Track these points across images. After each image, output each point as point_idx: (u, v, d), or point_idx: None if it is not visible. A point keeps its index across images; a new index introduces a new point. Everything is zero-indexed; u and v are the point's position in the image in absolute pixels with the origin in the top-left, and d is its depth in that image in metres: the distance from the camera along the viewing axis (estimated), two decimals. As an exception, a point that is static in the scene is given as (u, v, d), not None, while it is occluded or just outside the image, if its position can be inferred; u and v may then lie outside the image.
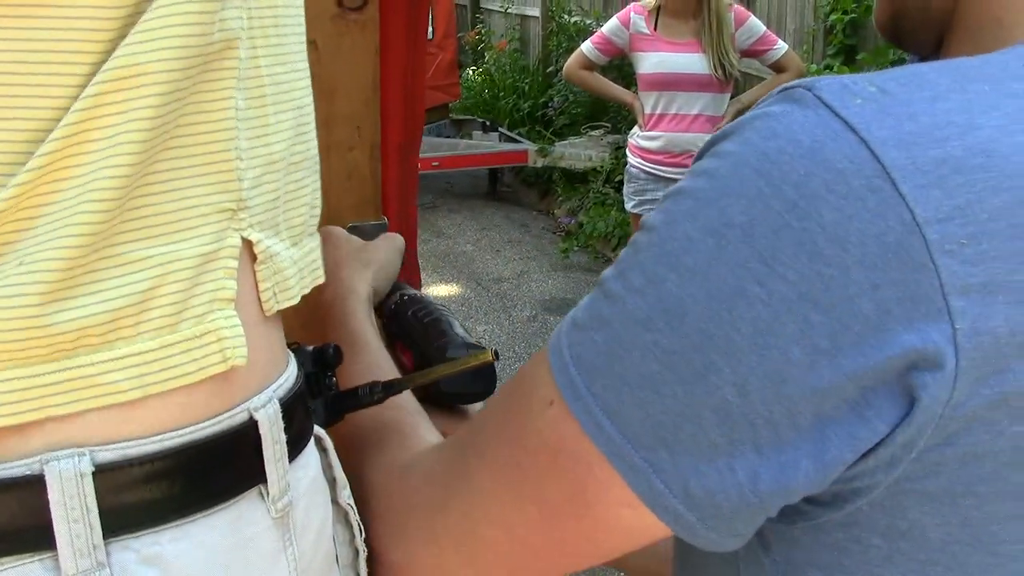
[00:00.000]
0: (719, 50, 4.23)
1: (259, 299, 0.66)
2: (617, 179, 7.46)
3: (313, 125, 0.73)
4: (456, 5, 11.24)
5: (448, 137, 8.96)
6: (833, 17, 6.00)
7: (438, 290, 6.39)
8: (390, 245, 1.11)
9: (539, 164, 8.15)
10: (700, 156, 0.60)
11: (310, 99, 0.73)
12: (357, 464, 0.84)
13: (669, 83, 4.32)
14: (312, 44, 1.18)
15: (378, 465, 0.82)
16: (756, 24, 4.41)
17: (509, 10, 11.47)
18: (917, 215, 0.53)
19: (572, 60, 4.85)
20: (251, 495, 0.66)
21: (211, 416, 0.63)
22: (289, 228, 0.71)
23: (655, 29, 4.40)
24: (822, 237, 0.54)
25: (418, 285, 1.58)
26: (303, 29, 0.73)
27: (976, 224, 0.53)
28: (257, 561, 0.67)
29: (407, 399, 0.92)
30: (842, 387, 0.55)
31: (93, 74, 0.58)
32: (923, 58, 0.77)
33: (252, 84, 0.66)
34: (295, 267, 0.71)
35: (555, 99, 9.28)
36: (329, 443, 0.77)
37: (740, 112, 4.33)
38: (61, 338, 0.58)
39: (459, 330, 1.02)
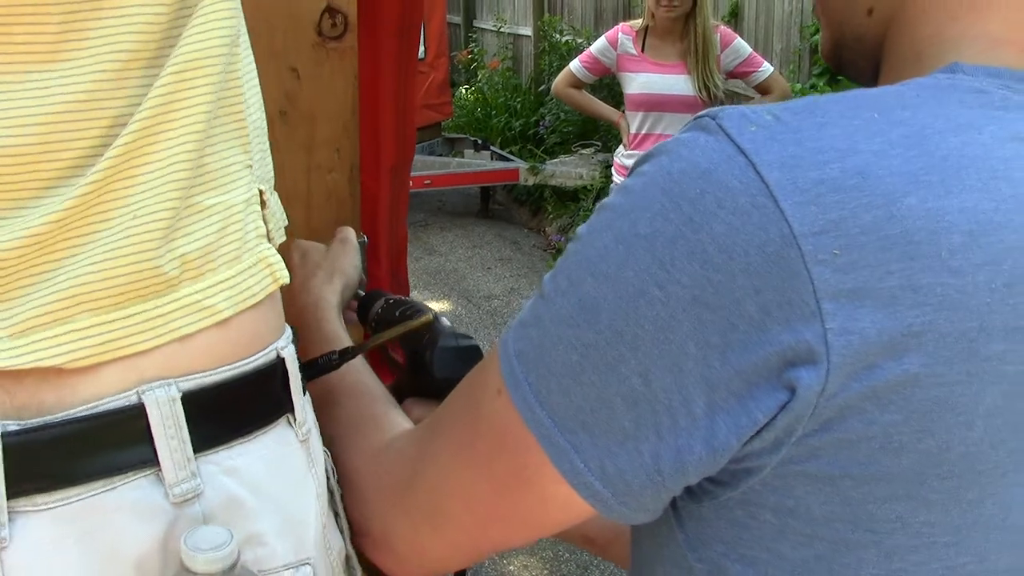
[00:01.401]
0: (704, 73, 4.28)
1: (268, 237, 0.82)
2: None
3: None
4: (449, 24, 11.31)
5: (440, 155, 9.03)
6: (818, 37, 6.09)
7: (429, 307, 6.44)
8: (348, 248, 1.19)
9: (530, 182, 8.23)
10: (628, 174, 0.67)
11: (255, 74, 0.87)
12: (339, 451, 0.93)
13: (655, 104, 4.37)
14: (294, 71, 1.25)
15: (356, 449, 0.91)
16: (742, 46, 4.46)
17: (502, 29, 11.58)
18: (794, 229, 0.60)
19: (560, 78, 4.90)
20: (283, 422, 0.82)
21: (252, 352, 0.79)
22: (268, 181, 0.85)
23: (642, 50, 4.44)
24: (712, 247, 0.61)
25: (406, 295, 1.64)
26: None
27: (848, 237, 0.60)
28: (294, 474, 0.83)
29: (381, 392, 1.00)
30: (730, 379, 0.62)
31: (156, 58, 0.73)
32: (866, 85, 0.84)
33: (247, 66, 0.83)
34: (280, 212, 0.86)
35: (546, 118, 9.36)
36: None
37: None
38: (171, 274, 0.73)
39: (446, 322, 1.09)
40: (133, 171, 0.72)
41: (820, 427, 0.63)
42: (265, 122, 0.87)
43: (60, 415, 0.70)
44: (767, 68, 4.51)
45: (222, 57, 0.76)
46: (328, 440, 0.94)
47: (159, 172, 0.73)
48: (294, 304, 1.10)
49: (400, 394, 1.07)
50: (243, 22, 0.84)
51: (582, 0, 10.13)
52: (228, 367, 0.77)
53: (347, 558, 0.91)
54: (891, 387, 0.61)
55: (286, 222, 0.87)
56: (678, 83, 4.32)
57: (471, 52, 12.04)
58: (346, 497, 0.91)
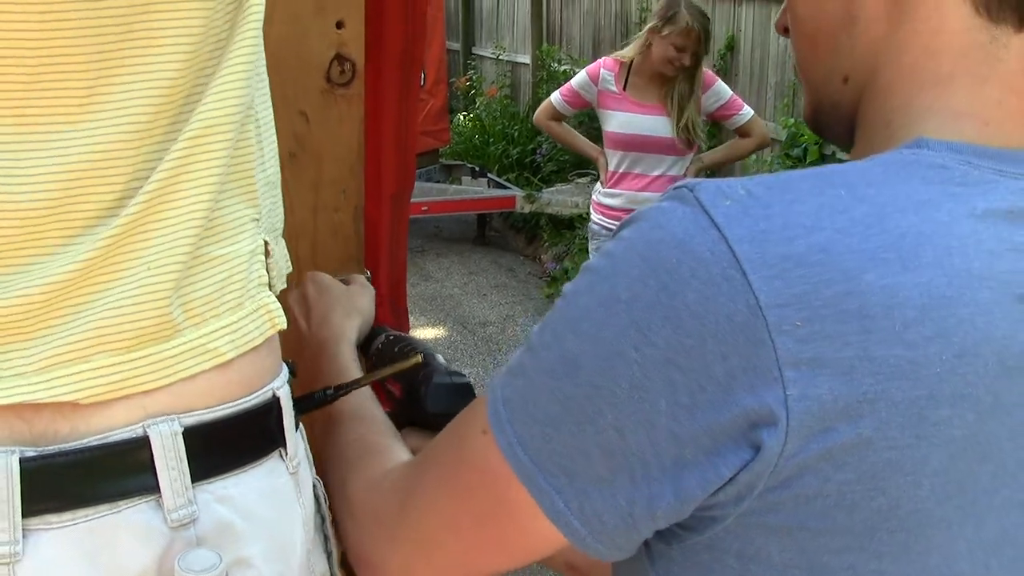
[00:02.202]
0: (688, 120, 4.27)
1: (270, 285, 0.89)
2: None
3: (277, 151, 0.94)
4: (448, 50, 11.42)
5: (438, 182, 9.11)
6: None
7: (425, 332, 6.50)
8: (369, 295, 1.26)
9: (526, 210, 8.29)
10: (612, 236, 0.73)
11: (273, 130, 0.93)
12: (341, 476, 0.99)
13: (634, 144, 4.35)
14: (303, 115, 1.32)
15: (357, 478, 0.97)
16: (723, 89, 4.43)
17: (500, 57, 11.68)
18: (760, 300, 0.65)
19: (541, 109, 4.87)
20: (275, 455, 0.89)
21: (250, 391, 0.85)
22: (275, 231, 0.91)
23: (624, 88, 4.39)
24: (685, 314, 0.66)
25: (406, 328, 1.70)
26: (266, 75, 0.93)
27: (810, 310, 0.65)
28: (283, 503, 0.89)
29: (386, 426, 1.06)
30: (698, 437, 0.67)
31: (176, 118, 0.80)
32: (843, 148, 0.90)
33: (260, 125, 0.88)
34: (284, 260, 0.93)
35: (543, 146, 9.43)
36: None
37: (700, 171, 4.47)
38: (179, 320, 0.79)
39: (441, 360, 1.15)
40: (149, 226, 0.78)
41: (780, 483, 0.68)
42: (279, 175, 0.93)
43: (73, 444, 0.77)
44: (747, 112, 4.49)
45: (235, 123, 0.83)
46: (332, 464, 1.02)
47: (173, 229, 0.79)
48: (315, 335, 1.18)
49: (396, 424, 1.13)
50: (265, 77, 0.90)
51: (580, 29, 10.24)
52: (228, 405, 0.84)
53: None
54: (846, 449, 0.66)
55: (290, 269, 0.94)
56: (657, 125, 4.30)
57: (470, 79, 12.14)
58: (345, 523, 0.97)
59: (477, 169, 9.36)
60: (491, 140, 10.25)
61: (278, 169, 0.93)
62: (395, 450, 1.01)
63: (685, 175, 4.34)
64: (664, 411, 0.68)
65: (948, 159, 0.73)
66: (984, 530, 0.71)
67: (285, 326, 0.88)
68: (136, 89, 0.77)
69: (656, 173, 4.33)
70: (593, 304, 0.71)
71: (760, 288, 0.65)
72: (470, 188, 8.84)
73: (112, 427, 0.78)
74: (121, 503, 0.78)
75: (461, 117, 11.41)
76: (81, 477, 0.77)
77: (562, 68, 9.75)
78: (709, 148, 4.87)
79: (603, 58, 4.68)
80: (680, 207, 0.69)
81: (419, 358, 1.13)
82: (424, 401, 1.12)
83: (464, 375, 1.12)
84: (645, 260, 0.69)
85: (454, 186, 8.85)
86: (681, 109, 4.26)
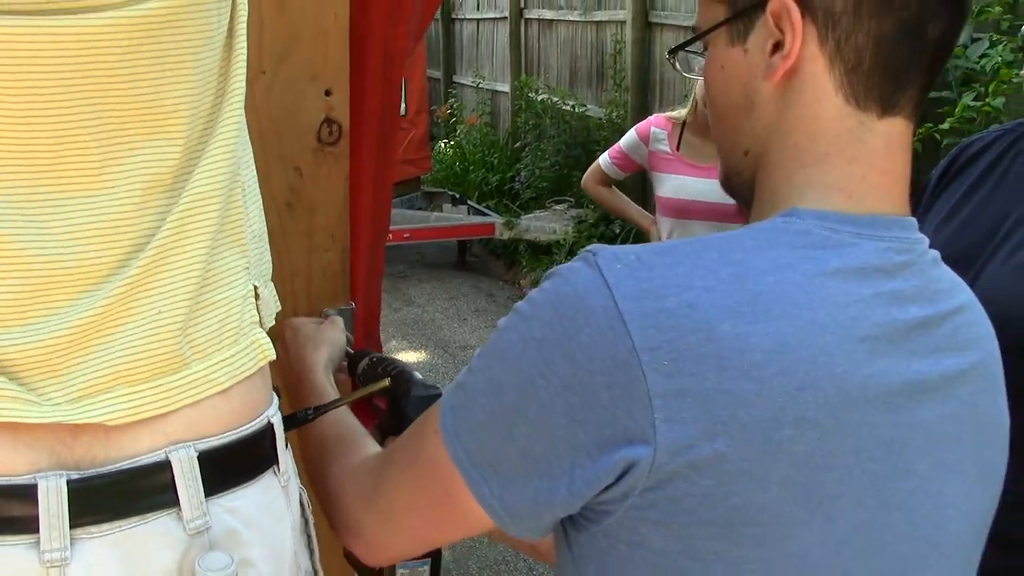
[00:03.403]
0: None
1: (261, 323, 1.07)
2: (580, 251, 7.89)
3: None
4: (429, 78, 11.60)
5: (420, 209, 9.26)
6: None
7: (407, 356, 6.64)
8: (335, 326, 1.47)
9: (506, 236, 8.42)
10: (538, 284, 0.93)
11: (258, 191, 1.12)
12: (323, 467, 1.19)
13: (687, 210, 3.87)
14: (298, 171, 1.52)
15: (340, 467, 1.16)
16: None
17: (480, 85, 11.84)
18: (636, 345, 0.82)
19: (589, 174, 4.42)
20: (270, 472, 1.06)
21: (250, 420, 1.03)
22: (264, 277, 1.10)
23: (677, 148, 3.94)
24: (580, 353, 0.85)
25: (378, 351, 1.91)
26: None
27: (676, 352, 0.82)
28: (276, 512, 1.07)
29: (358, 427, 1.26)
30: (588, 448, 0.85)
31: (172, 187, 0.97)
32: (748, 209, 1.08)
33: (246, 189, 1.06)
34: (272, 300, 1.10)
35: (522, 173, 9.60)
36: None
37: None
38: (186, 355, 0.98)
39: (418, 376, 1.35)
40: (157, 277, 0.96)
41: (654, 486, 0.84)
42: (265, 228, 1.12)
43: (108, 467, 0.95)
44: None
45: (224, 190, 1.01)
46: (316, 458, 1.22)
47: (176, 279, 0.97)
48: (292, 369, 1.39)
49: (383, 432, 1.33)
50: (249, 148, 1.09)
51: (558, 58, 10.38)
52: (232, 432, 1.02)
53: (315, 573, 1.17)
54: (706, 461, 0.83)
55: (278, 308, 1.12)
56: (712, 189, 3.58)
57: (451, 107, 12.32)
58: (330, 502, 1.16)
59: (457, 196, 9.52)
60: (471, 168, 10.43)
61: (263, 224, 1.11)
62: (368, 444, 1.20)
63: None
64: (563, 426, 0.86)
65: (814, 226, 0.91)
66: (834, 525, 0.88)
67: (274, 357, 1.06)
68: (140, 166, 0.96)
69: None
70: (515, 339, 0.90)
71: (636, 335, 0.83)
72: (451, 215, 8.99)
73: (139, 453, 0.96)
74: (148, 515, 0.96)
75: (442, 144, 11.57)
76: (116, 495, 0.95)
77: (539, 97, 9.94)
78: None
79: (654, 115, 4.29)
80: (584, 268, 0.87)
81: (386, 382, 1.33)
82: (405, 411, 1.31)
83: (438, 388, 1.31)
84: (554, 308, 0.88)
85: (435, 213, 9.00)
86: None
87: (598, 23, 9.46)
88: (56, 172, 0.91)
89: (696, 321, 0.83)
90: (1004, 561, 1.81)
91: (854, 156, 0.94)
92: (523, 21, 11.09)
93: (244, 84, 1.05)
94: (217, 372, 1.00)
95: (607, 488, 0.86)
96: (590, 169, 4.40)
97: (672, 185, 3.91)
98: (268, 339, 1.06)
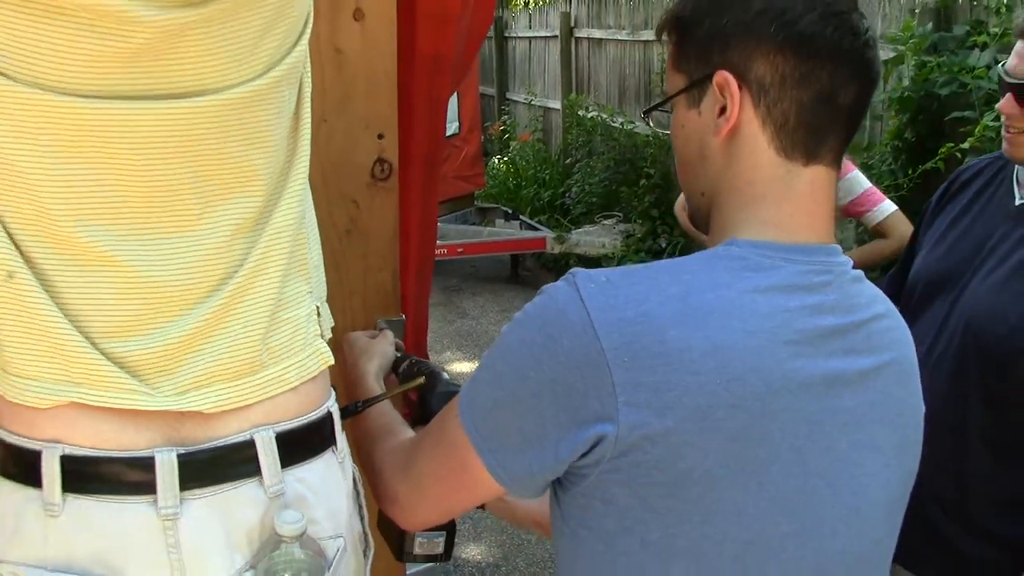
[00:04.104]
0: None
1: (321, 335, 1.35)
2: (628, 265, 8.06)
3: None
4: (483, 95, 11.82)
5: (473, 224, 9.50)
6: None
7: (462, 367, 6.84)
8: (386, 339, 1.73)
9: (556, 250, 8.64)
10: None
11: (316, 229, 1.41)
12: (369, 449, 1.46)
13: None
14: (355, 203, 1.80)
15: (380, 449, 1.43)
16: (857, 180, 3.73)
17: (532, 102, 12.07)
18: (604, 346, 1.06)
19: (679, 202, 4.45)
20: (330, 451, 1.34)
21: (314, 408, 1.30)
22: (322, 298, 1.38)
23: None
24: (561, 354, 1.09)
25: (425, 356, 2.18)
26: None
27: (632, 352, 1.06)
28: (334, 482, 1.34)
29: (396, 417, 1.52)
30: (568, 424, 1.09)
31: (255, 230, 1.25)
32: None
33: (308, 227, 1.35)
34: (328, 317, 1.37)
35: (573, 189, 9.82)
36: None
37: None
38: (265, 359, 1.26)
39: (445, 376, 1.62)
40: (242, 300, 1.25)
41: (619, 454, 1.07)
42: (322, 258, 1.40)
43: (206, 445, 1.24)
44: (885, 207, 3.69)
45: (294, 229, 1.30)
46: (363, 441, 1.49)
47: (258, 301, 1.26)
48: (348, 375, 1.66)
49: (415, 424, 1.59)
50: (310, 195, 1.36)
51: (607, 76, 10.58)
52: (301, 418, 1.31)
53: (363, 535, 1.44)
54: (657, 435, 1.06)
55: (332, 323, 1.39)
56: None
57: (504, 124, 12.56)
58: (374, 476, 1.42)
59: (510, 212, 9.74)
60: (524, 184, 10.66)
61: (321, 255, 1.39)
62: (404, 431, 1.47)
63: None
64: (549, 409, 1.11)
65: (749, 253, 1.15)
66: (764, 488, 1.11)
67: (332, 362, 1.35)
68: (230, 213, 1.24)
69: None
70: (513, 342, 1.16)
71: (603, 339, 1.07)
72: (503, 230, 9.20)
73: (229, 434, 1.26)
74: (238, 482, 1.25)
75: (496, 160, 11.80)
76: (213, 466, 1.24)
77: (590, 115, 10.15)
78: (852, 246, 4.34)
79: None
80: (565, 287, 1.12)
81: (421, 380, 1.60)
82: (430, 404, 1.59)
83: (458, 385, 1.56)
84: (542, 319, 1.13)
85: (488, 228, 9.22)
86: None
87: (645, 42, 9.66)
88: (167, 218, 1.20)
89: (649, 328, 1.08)
90: (994, 554, 2.05)
91: (784, 197, 1.18)
92: (573, 40, 11.32)
93: (310, 144, 1.33)
94: (288, 373, 1.29)
95: (583, 456, 1.11)
96: (680, 199, 4.43)
97: None
98: (327, 348, 1.35)
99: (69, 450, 1.20)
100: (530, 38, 12.60)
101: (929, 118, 4.96)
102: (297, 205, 1.31)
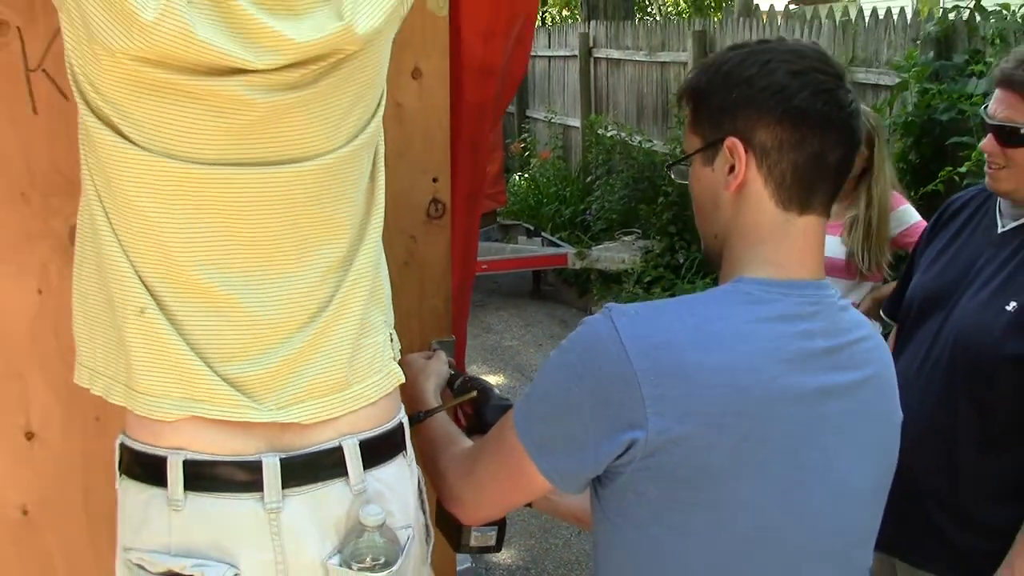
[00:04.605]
0: (869, 246, 3.78)
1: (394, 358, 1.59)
2: (647, 280, 8.17)
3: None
4: (504, 113, 11.95)
5: (496, 240, 9.68)
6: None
7: (487, 379, 7.05)
8: (440, 359, 1.97)
9: (577, 266, 8.85)
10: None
11: (386, 268, 1.67)
12: (434, 456, 1.69)
13: None
14: (412, 238, 2.05)
15: (444, 456, 1.67)
16: (907, 213, 3.84)
17: (552, 120, 12.29)
18: (635, 369, 1.30)
19: None
20: (401, 455, 1.57)
21: (389, 420, 1.53)
22: (392, 326, 1.63)
23: None
24: (600, 373, 1.33)
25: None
26: None
27: (659, 372, 1.30)
28: (405, 481, 1.58)
29: (456, 430, 1.75)
30: (606, 431, 1.33)
31: (342, 272, 1.50)
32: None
33: (381, 268, 1.61)
34: (397, 342, 1.63)
35: (593, 206, 10.03)
36: None
37: (876, 301, 3.67)
38: (350, 379, 1.51)
39: (495, 391, 1.87)
40: (332, 329, 1.51)
41: (648, 455, 1.30)
42: (390, 291, 1.64)
43: (303, 451, 1.50)
44: None
45: (372, 271, 1.56)
46: (428, 449, 1.71)
47: (344, 331, 1.52)
48: (407, 392, 1.89)
49: (470, 432, 1.82)
50: (381, 244, 1.61)
51: (625, 95, 10.81)
52: (378, 428, 1.56)
53: (426, 526, 1.67)
54: (679, 439, 1.30)
55: (400, 347, 1.64)
56: (830, 244, 3.61)
57: (524, 142, 12.75)
58: (439, 478, 1.65)
59: (532, 229, 9.96)
60: (545, 201, 10.87)
61: (390, 288, 1.64)
62: (463, 440, 1.71)
63: (859, 305, 3.70)
64: (590, 419, 1.34)
65: (753, 288, 1.39)
66: (767, 480, 1.35)
67: (404, 381, 1.61)
68: (321, 257, 1.50)
69: None
70: (559, 364, 1.41)
71: (635, 362, 1.31)
72: (525, 247, 9.41)
73: (321, 442, 1.51)
74: (328, 481, 1.51)
75: (517, 177, 12.03)
76: (309, 468, 1.50)
77: (609, 133, 10.38)
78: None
79: None
80: (602, 319, 1.37)
81: (474, 393, 1.84)
82: (485, 417, 1.83)
83: (509, 400, 1.81)
84: (584, 346, 1.38)
85: (511, 245, 9.43)
86: (849, 229, 3.81)
87: (662, 63, 9.90)
88: (270, 263, 1.47)
89: (671, 352, 1.33)
90: (986, 545, 2.28)
91: (782, 241, 1.42)
92: (592, 60, 11.56)
93: (384, 198, 1.58)
94: (369, 390, 1.55)
95: (618, 457, 1.35)
96: None
97: None
98: (399, 369, 1.61)
99: (190, 456, 1.45)
100: (549, 57, 12.83)
101: (932, 142, 5.21)
102: (375, 249, 1.56)
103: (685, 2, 21.46)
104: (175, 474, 1.45)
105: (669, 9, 21.50)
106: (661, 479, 1.34)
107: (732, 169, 1.42)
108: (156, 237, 1.41)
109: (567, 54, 12.17)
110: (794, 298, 1.40)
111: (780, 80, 1.39)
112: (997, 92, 2.35)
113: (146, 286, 1.43)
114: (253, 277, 1.46)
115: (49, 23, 1.71)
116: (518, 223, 10.21)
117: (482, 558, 4.62)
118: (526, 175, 12.03)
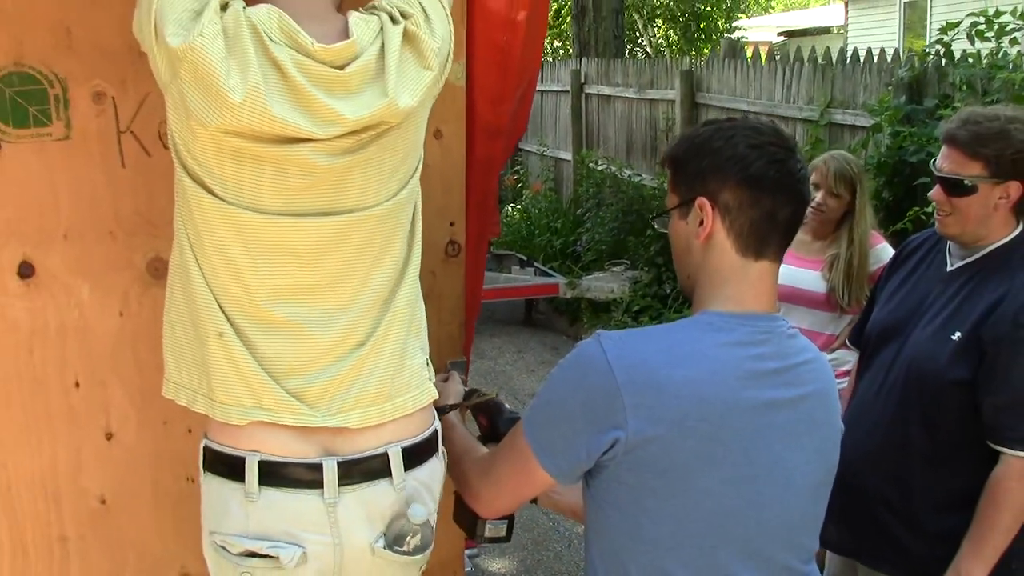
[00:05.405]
0: (850, 283, 4.01)
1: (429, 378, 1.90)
2: (635, 309, 8.44)
3: None
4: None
5: (490, 270, 9.64)
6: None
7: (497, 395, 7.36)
8: (455, 380, 2.28)
9: (568, 295, 9.09)
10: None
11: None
12: (458, 461, 2.01)
13: (783, 294, 3.98)
14: (432, 273, 2.38)
15: (466, 460, 1.99)
16: (884, 251, 4.01)
17: (545, 153, 12.52)
18: (618, 382, 1.63)
19: None
20: (436, 456, 1.90)
21: (425, 429, 1.86)
22: (426, 350, 1.94)
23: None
24: (589, 386, 1.66)
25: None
26: None
27: (637, 385, 1.62)
28: (437, 479, 1.92)
29: (473, 439, 2.09)
30: (594, 432, 1.66)
31: (388, 302, 1.84)
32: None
33: (418, 299, 1.96)
34: (431, 367, 1.94)
35: (583, 238, 10.29)
36: None
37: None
38: (392, 393, 1.84)
39: (508, 406, 2.20)
40: (378, 351, 1.83)
41: (627, 452, 1.62)
42: (426, 324, 1.96)
43: (355, 455, 1.81)
44: None
45: (412, 302, 1.88)
46: (454, 455, 2.02)
47: (388, 353, 1.84)
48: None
49: (485, 442, 2.15)
50: (418, 279, 1.94)
51: (615, 132, 11.14)
52: (417, 435, 1.88)
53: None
54: (652, 439, 1.60)
55: (433, 372, 1.96)
56: (808, 278, 4.09)
57: (517, 174, 12.99)
58: (462, 478, 1.97)
59: (525, 259, 10.18)
60: (537, 232, 11.13)
61: (426, 322, 1.97)
62: (480, 448, 2.04)
63: (837, 337, 4.08)
64: (581, 423, 1.65)
65: (716, 319, 1.72)
66: (724, 474, 1.65)
67: (437, 397, 1.93)
68: (371, 291, 1.82)
69: (804, 326, 3.89)
70: (559, 379, 1.73)
71: (618, 377, 1.62)
72: (518, 276, 9.60)
73: (368, 447, 1.83)
74: (375, 481, 1.82)
75: (510, 208, 12.26)
76: (359, 470, 1.81)
77: (599, 167, 10.69)
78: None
79: None
80: (593, 343, 1.69)
81: (488, 397, 2.17)
82: (498, 427, 2.16)
83: (518, 413, 2.12)
84: (577, 363, 1.70)
85: (504, 275, 9.62)
86: (831, 266, 4.05)
87: (651, 100, 10.25)
88: (330, 295, 1.80)
89: (647, 369, 1.66)
90: (935, 550, 2.61)
91: (741, 282, 1.75)
92: (583, 95, 11.89)
93: (421, 243, 1.91)
94: (408, 404, 1.86)
95: (604, 453, 1.67)
96: None
97: (779, 271, 3.87)
98: (433, 387, 1.92)
99: (264, 457, 1.78)
100: (542, 92, 13.05)
101: (903, 181, 5.54)
102: (414, 284, 1.89)
103: (675, 33, 21.73)
104: (252, 472, 1.77)
105: (660, 41, 21.78)
106: (639, 471, 1.66)
107: (702, 223, 1.74)
108: (235, 273, 1.75)
109: (559, 89, 12.47)
110: (749, 328, 1.72)
111: (741, 152, 1.72)
112: (943, 148, 2.69)
113: (225, 314, 1.76)
114: (314, 306, 1.79)
115: (137, 94, 2.08)
116: (511, 253, 10.44)
117: (480, 566, 4.93)
118: (519, 206, 12.28)
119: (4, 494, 2.15)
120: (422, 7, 1.83)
